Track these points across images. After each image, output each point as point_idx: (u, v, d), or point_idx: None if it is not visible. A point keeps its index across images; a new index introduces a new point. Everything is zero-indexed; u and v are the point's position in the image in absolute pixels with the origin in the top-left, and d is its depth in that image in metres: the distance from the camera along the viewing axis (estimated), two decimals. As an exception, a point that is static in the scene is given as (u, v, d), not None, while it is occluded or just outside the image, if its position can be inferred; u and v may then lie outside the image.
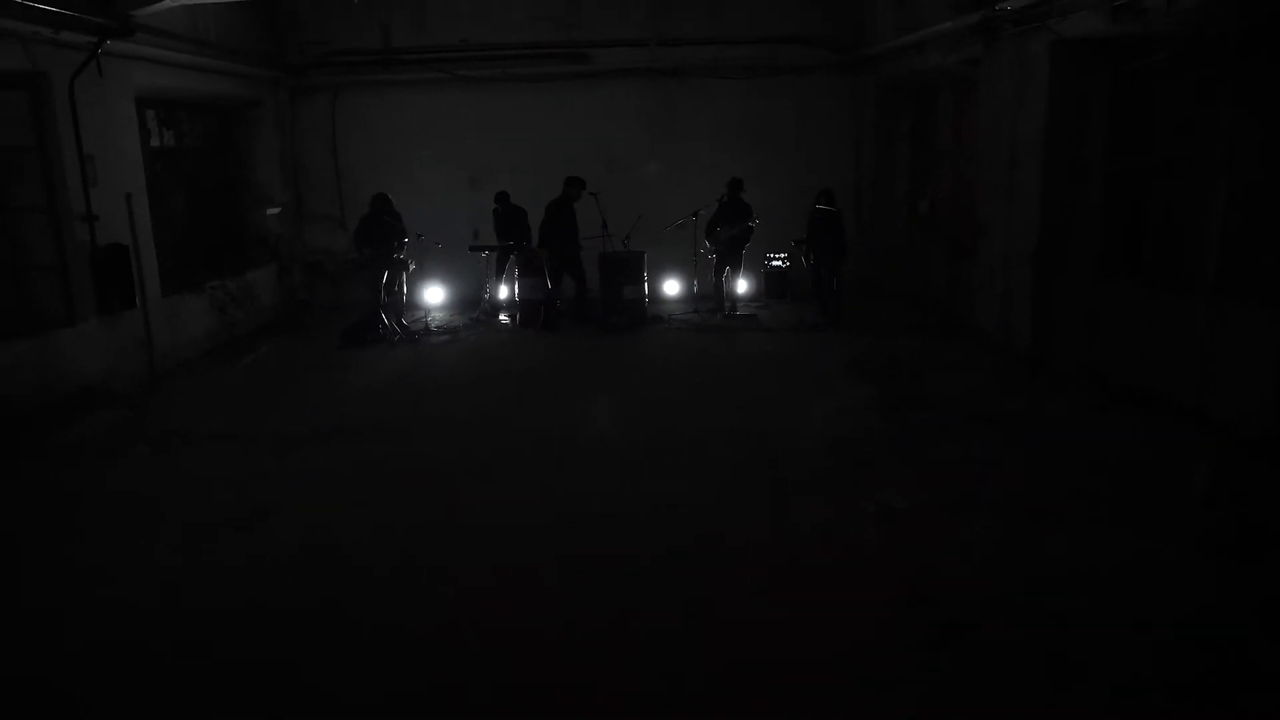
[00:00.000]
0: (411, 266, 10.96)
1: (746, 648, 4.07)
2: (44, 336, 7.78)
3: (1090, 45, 7.45)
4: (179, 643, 4.25)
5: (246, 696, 3.85)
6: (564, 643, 4.18)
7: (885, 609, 4.35)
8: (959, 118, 10.85)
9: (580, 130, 12.27)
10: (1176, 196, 7.24)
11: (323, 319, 11.67)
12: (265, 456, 6.75)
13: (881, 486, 5.77)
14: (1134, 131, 7.59)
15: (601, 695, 3.78)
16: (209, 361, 9.85)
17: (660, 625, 4.28)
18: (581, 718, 3.70)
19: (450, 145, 12.51)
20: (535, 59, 12.35)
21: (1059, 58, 7.76)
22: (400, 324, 10.83)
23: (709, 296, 11.82)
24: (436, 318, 11.87)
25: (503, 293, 11.88)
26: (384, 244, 10.34)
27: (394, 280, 10.65)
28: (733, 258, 11.45)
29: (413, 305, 11.82)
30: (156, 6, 8.16)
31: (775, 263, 12.54)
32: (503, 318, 11.68)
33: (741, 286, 11.98)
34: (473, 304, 12.08)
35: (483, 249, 11.78)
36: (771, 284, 12.57)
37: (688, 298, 12.27)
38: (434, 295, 12.25)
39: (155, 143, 10.17)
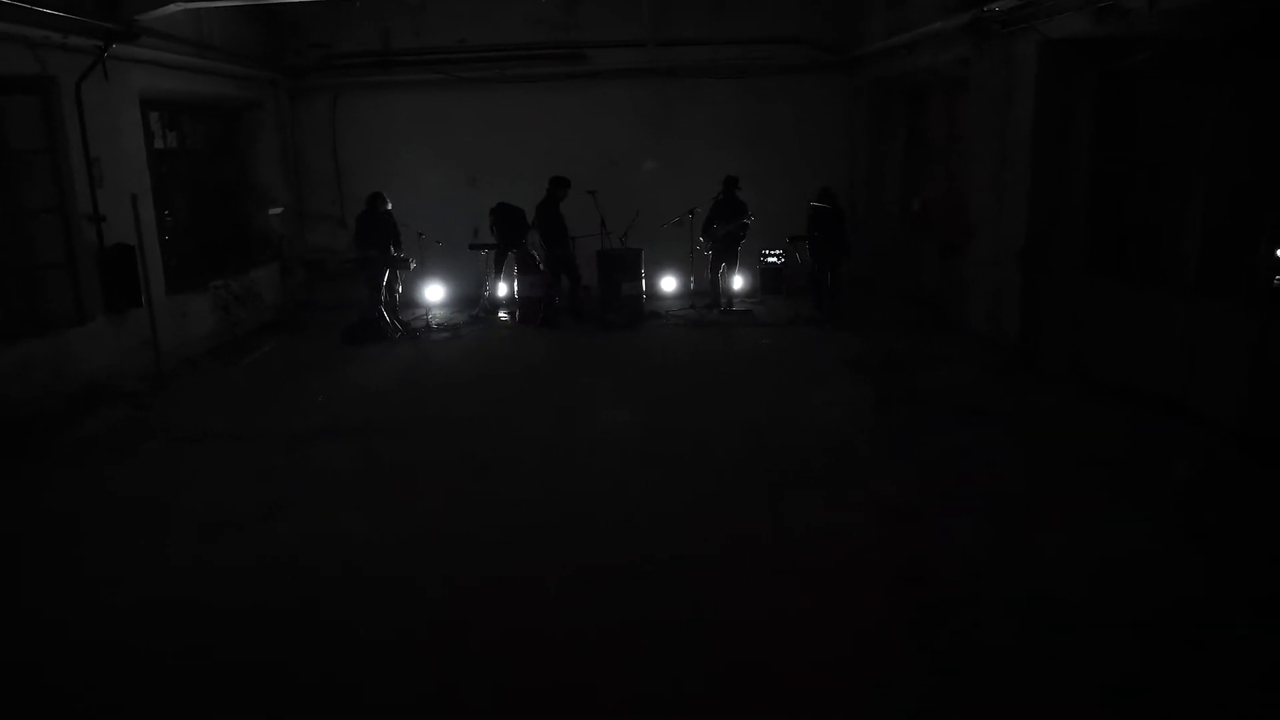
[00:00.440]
0: (413, 265, 11.11)
1: (747, 648, 4.09)
2: (55, 335, 7.94)
3: (1076, 46, 7.57)
4: (179, 642, 4.27)
5: (246, 696, 3.88)
6: (564, 642, 4.20)
7: (885, 609, 4.38)
8: (951, 118, 10.99)
9: (578, 130, 12.42)
10: (1158, 196, 7.38)
11: (324, 318, 11.77)
12: (270, 455, 6.85)
13: (877, 480, 5.93)
14: (1118, 132, 7.72)
15: (601, 695, 3.81)
16: (213, 360, 9.95)
17: (661, 625, 4.30)
18: (581, 718, 3.73)
19: (449, 145, 12.64)
20: (534, 60, 12.48)
21: (1046, 58, 7.87)
22: (401, 321, 10.96)
23: (705, 293, 11.98)
24: (437, 315, 12.03)
25: (502, 290, 12.04)
26: (383, 242, 10.47)
27: (394, 278, 10.78)
28: (728, 254, 11.61)
29: (413, 303, 11.97)
30: (161, 11, 8.29)
31: (770, 259, 12.70)
32: (502, 315, 11.84)
33: (737, 282, 12.12)
34: (473, 301, 12.24)
35: (482, 247, 11.92)
36: (767, 280, 12.73)
37: (684, 294, 12.45)
38: (434, 293, 12.42)
39: (159, 145, 10.30)
